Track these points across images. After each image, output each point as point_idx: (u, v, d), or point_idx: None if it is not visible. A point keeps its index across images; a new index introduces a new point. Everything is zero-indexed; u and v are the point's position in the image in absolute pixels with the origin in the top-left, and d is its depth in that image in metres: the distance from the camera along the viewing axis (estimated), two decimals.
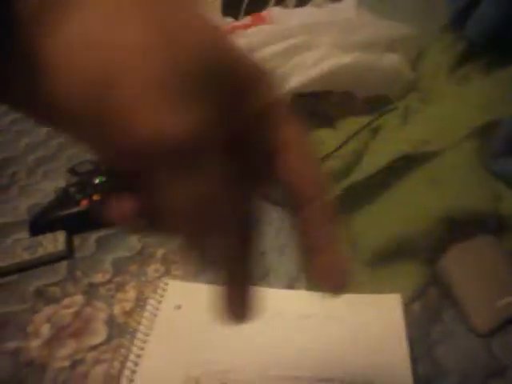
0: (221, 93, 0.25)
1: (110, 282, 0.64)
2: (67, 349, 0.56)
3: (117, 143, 0.23)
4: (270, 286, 0.60)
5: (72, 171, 0.78)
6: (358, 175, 0.65)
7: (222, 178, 0.25)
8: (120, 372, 0.51)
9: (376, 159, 0.65)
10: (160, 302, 0.57)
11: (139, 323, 0.55)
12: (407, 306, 0.57)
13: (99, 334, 0.57)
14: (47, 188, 0.84)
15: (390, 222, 0.61)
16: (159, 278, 0.62)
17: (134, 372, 0.50)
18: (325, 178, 0.30)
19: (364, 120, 0.80)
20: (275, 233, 0.69)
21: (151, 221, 0.28)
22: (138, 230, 0.30)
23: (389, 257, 0.60)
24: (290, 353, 0.51)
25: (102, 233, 0.72)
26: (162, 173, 0.24)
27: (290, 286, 0.60)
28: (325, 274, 0.31)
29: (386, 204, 0.62)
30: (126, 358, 0.52)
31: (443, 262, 0.59)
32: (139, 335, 0.54)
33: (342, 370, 0.49)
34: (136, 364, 0.51)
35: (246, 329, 0.54)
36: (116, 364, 0.53)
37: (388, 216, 0.61)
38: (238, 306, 0.31)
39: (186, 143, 0.23)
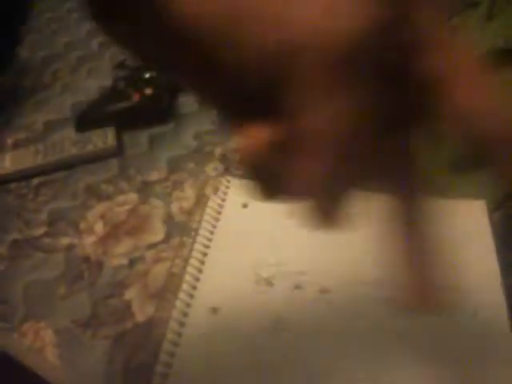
0: None
1: (166, 179, 0.60)
2: (124, 246, 0.52)
3: (257, 44, 0.18)
4: None
5: (120, 65, 0.73)
6: None
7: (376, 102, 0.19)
8: (183, 270, 0.47)
9: None
10: (224, 200, 0.53)
11: (201, 222, 0.51)
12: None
13: (157, 232, 0.53)
14: (91, 86, 0.79)
15: None
16: (219, 176, 0.58)
17: (199, 270, 0.47)
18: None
19: None
20: None
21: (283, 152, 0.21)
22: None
23: (471, 163, 0.55)
24: (367, 256, 0.47)
25: (155, 130, 0.67)
26: (309, 82, 0.18)
27: None
28: None
29: None
30: (189, 256, 0.48)
31: None
32: (203, 233, 0.50)
33: None
34: (202, 262, 0.47)
35: (310, 238, 0.50)
36: (178, 262, 0.49)
37: None
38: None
39: (357, 44, 0.17)
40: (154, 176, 0.60)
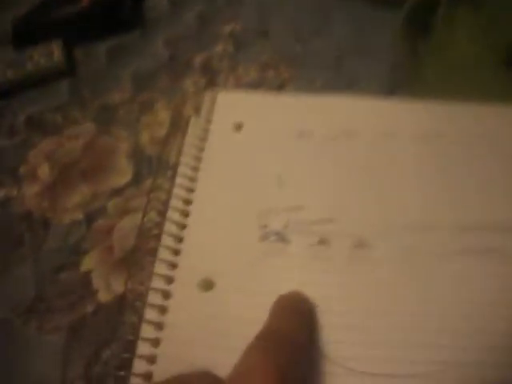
0: None
1: (131, 101, 0.48)
2: (78, 195, 0.41)
3: None
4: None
5: None
6: None
7: None
8: (159, 224, 0.34)
9: None
10: (209, 122, 0.39)
11: (180, 154, 0.38)
12: None
13: (122, 172, 0.42)
14: None
15: None
16: (201, 91, 0.45)
17: (182, 226, 0.33)
18: None
19: None
20: (354, 32, 0.51)
21: None
22: None
23: None
24: (413, 196, 0.34)
25: (115, 41, 0.54)
26: None
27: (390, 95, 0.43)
28: None
29: None
30: (166, 203, 0.35)
31: None
32: (183, 170, 0.36)
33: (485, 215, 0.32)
34: (185, 214, 0.34)
35: (335, 166, 0.36)
36: (153, 214, 0.36)
37: None
38: None
39: None
40: (115, 98, 0.48)
